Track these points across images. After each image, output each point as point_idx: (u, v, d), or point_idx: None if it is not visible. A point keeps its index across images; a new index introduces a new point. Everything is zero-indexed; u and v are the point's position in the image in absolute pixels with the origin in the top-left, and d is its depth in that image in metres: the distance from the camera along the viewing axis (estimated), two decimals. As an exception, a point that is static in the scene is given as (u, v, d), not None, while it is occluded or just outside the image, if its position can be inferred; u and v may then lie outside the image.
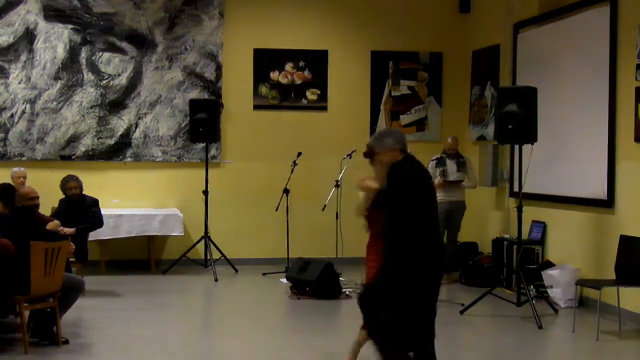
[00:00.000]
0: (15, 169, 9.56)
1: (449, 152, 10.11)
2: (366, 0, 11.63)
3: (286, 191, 10.39)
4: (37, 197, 6.86)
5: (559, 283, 8.63)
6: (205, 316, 8.95)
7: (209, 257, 10.47)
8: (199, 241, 10.57)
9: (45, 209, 8.71)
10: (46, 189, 9.45)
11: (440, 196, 9.86)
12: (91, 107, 10.87)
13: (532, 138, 8.28)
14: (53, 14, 10.72)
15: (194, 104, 10.59)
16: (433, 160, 9.96)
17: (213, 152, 11.05)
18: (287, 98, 11.48)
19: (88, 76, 10.84)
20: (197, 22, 11.11)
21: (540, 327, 7.65)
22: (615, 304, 7.67)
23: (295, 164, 10.41)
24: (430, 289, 5.12)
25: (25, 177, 9.36)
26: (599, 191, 8.45)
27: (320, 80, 11.53)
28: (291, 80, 11.48)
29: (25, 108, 10.68)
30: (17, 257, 6.40)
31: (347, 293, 9.13)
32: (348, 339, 7.56)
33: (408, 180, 5.13)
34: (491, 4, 11.03)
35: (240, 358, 6.77)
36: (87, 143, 10.86)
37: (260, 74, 11.39)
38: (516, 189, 9.19)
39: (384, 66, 11.65)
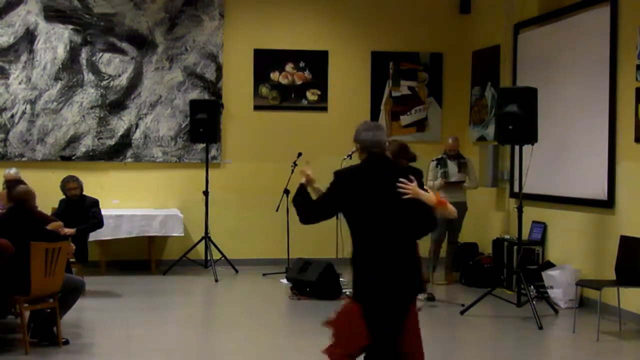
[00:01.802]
0: (8, 171, 9.49)
1: (449, 153, 10.10)
2: (366, 0, 11.63)
3: (286, 191, 10.38)
4: (34, 196, 6.85)
5: (559, 283, 8.63)
6: (205, 316, 8.95)
7: (209, 257, 10.46)
8: (199, 241, 10.57)
9: (45, 209, 8.71)
10: (46, 189, 9.47)
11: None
12: (91, 108, 10.87)
13: (532, 138, 8.28)
14: (53, 14, 10.72)
15: (194, 104, 10.59)
16: (434, 161, 9.96)
17: (213, 152, 11.05)
18: (287, 98, 11.48)
19: (88, 76, 10.84)
20: (197, 22, 11.11)
21: (540, 327, 7.65)
22: (615, 304, 7.67)
23: (295, 164, 10.39)
24: None
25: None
26: (599, 191, 8.44)
27: (320, 80, 11.53)
28: (291, 81, 11.48)
29: (26, 108, 10.69)
30: (17, 257, 6.41)
31: (347, 293, 9.11)
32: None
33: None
34: (491, 4, 11.03)
35: (240, 358, 6.77)
36: (87, 143, 10.86)
37: (260, 74, 11.39)
38: (516, 189, 9.19)
39: (384, 66, 11.65)
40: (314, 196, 4.81)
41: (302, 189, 4.79)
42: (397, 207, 4.49)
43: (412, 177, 4.52)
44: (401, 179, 4.48)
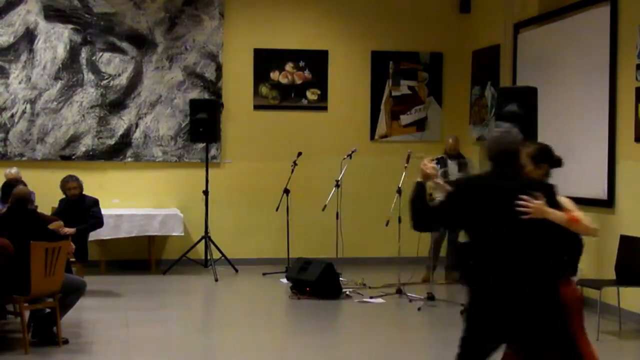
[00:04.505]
0: (9, 170, 9.48)
1: (449, 153, 10.11)
2: (366, 0, 11.63)
3: (286, 191, 10.39)
4: (32, 197, 6.86)
5: (559, 283, 8.61)
6: (205, 316, 8.95)
7: (209, 257, 10.46)
8: (199, 241, 10.57)
9: (45, 209, 8.72)
10: (46, 189, 9.48)
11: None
12: (91, 107, 10.86)
13: (532, 138, 8.27)
14: (53, 14, 10.72)
15: (194, 104, 10.59)
16: (433, 160, 9.93)
17: (213, 152, 11.05)
18: (287, 98, 11.48)
19: (88, 76, 10.84)
20: (197, 22, 11.11)
21: (540, 327, 7.64)
22: (615, 303, 7.67)
23: (295, 164, 10.41)
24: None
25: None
26: (599, 191, 8.44)
27: (320, 80, 11.53)
28: (291, 80, 11.48)
29: (25, 108, 10.68)
30: (17, 257, 6.41)
31: (347, 293, 9.13)
32: (347, 339, 7.58)
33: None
34: (491, 4, 11.03)
35: (240, 358, 6.77)
36: (87, 143, 10.86)
37: (260, 74, 11.39)
38: (516, 188, 9.17)
39: (384, 66, 11.65)
40: (437, 192, 4.36)
41: (420, 189, 4.33)
42: (516, 228, 3.96)
43: (536, 194, 3.95)
44: (522, 196, 3.92)
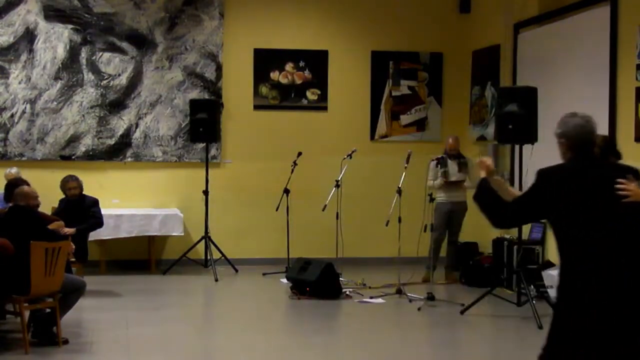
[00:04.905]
0: (9, 170, 9.49)
1: (450, 152, 10.11)
2: (366, 0, 11.63)
3: (286, 191, 10.39)
4: (37, 197, 6.86)
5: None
6: (205, 316, 8.95)
7: (209, 257, 10.47)
8: (199, 241, 10.57)
9: (45, 209, 8.70)
10: (46, 189, 9.45)
11: (441, 196, 9.88)
12: (91, 107, 10.87)
13: (532, 138, 8.28)
14: (53, 14, 10.72)
15: (194, 104, 10.59)
16: (433, 161, 9.94)
17: (213, 152, 11.05)
18: (287, 98, 11.48)
19: (88, 76, 10.84)
20: (197, 22, 11.11)
21: (540, 327, 7.64)
22: (615, 303, 7.66)
23: (295, 164, 10.41)
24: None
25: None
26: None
27: (320, 80, 11.53)
28: (291, 80, 11.48)
29: (25, 108, 10.68)
30: (17, 256, 6.40)
31: (347, 293, 9.13)
32: (347, 339, 7.58)
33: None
34: (491, 4, 11.03)
35: (240, 358, 6.77)
36: (87, 143, 10.86)
37: (260, 74, 11.39)
38: (516, 188, 9.18)
39: (384, 66, 11.65)
40: (502, 193, 4.17)
41: (485, 185, 4.15)
42: (618, 215, 3.76)
43: (630, 177, 3.81)
44: (619, 180, 3.77)
